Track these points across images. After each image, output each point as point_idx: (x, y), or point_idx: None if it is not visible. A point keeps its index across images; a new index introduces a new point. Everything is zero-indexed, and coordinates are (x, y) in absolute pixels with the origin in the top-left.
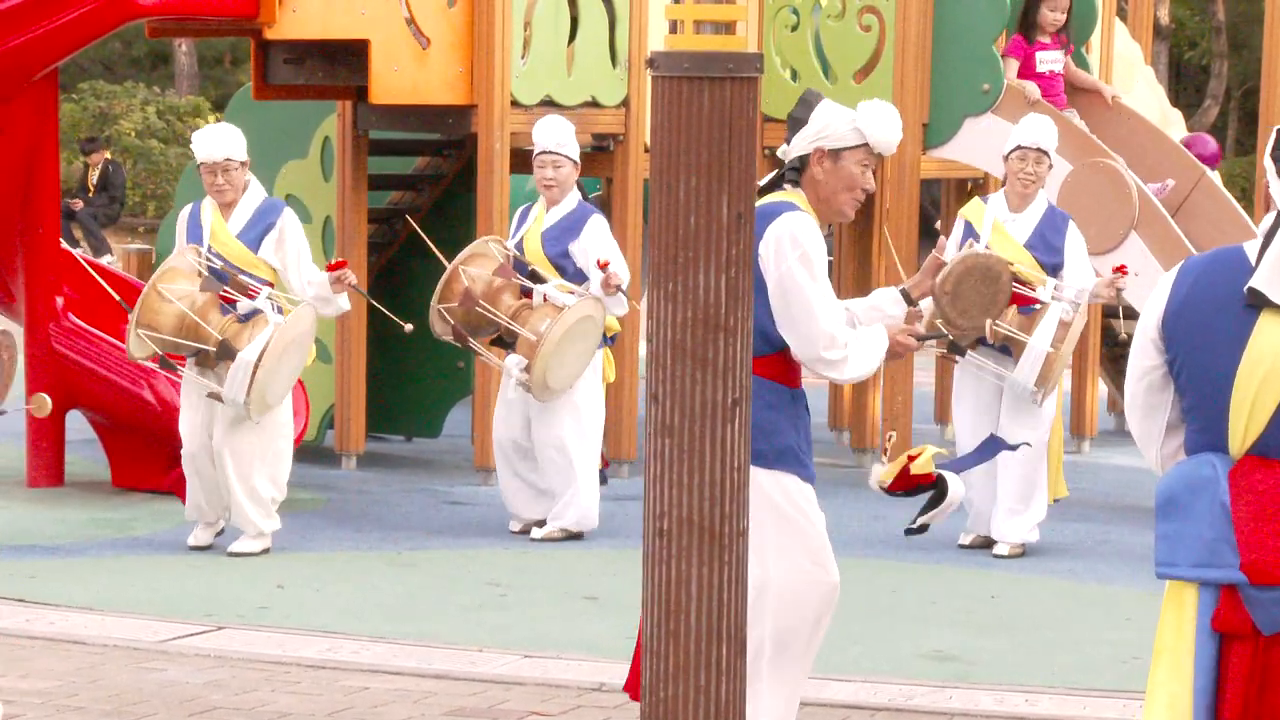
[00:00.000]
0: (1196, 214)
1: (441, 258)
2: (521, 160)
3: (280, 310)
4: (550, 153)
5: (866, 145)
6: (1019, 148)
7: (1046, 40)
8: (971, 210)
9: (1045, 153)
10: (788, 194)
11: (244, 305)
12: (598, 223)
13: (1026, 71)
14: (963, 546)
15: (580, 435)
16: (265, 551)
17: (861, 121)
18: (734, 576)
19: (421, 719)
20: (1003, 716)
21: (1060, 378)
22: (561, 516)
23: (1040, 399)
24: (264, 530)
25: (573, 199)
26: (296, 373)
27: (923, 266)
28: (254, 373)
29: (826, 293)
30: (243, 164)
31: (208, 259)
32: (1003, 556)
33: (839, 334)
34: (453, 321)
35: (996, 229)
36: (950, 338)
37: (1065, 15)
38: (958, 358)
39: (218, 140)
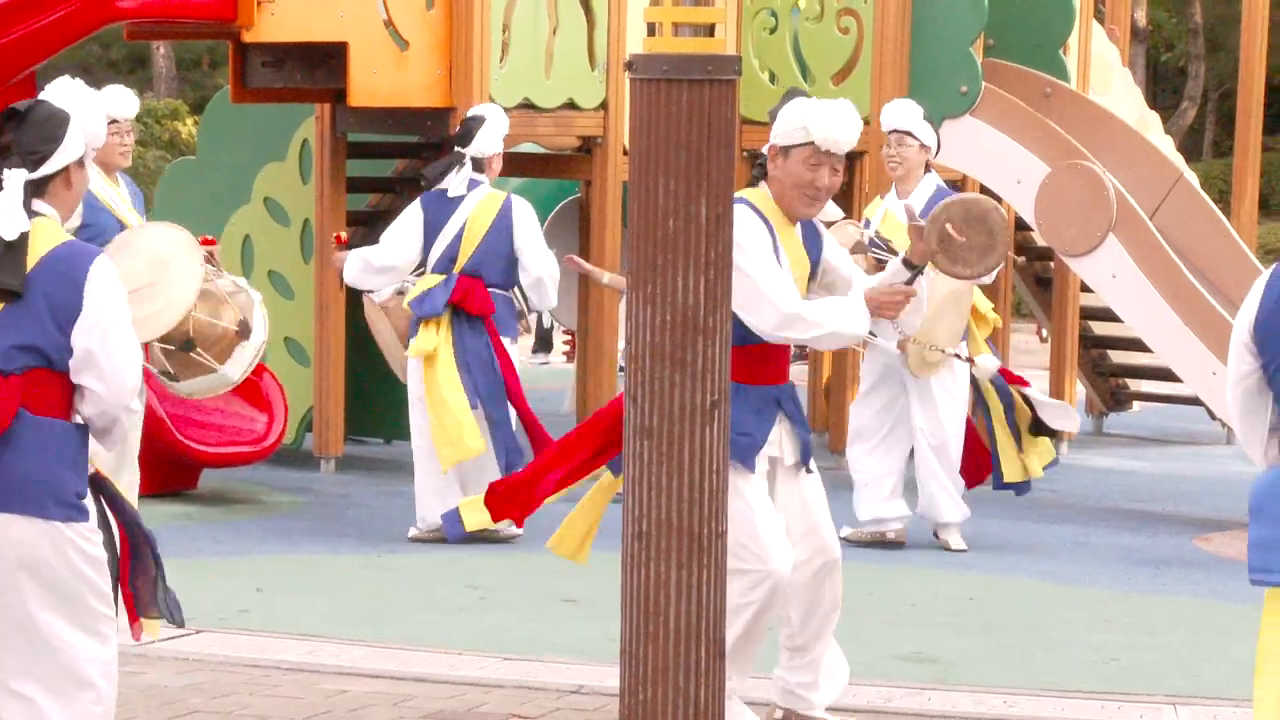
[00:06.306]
0: (1174, 215)
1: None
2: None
3: None
4: None
5: (813, 143)
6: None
7: None
8: (871, 208)
9: (907, 133)
10: (749, 190)
11: None
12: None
13: None
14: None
15: (416, 431)
16: None
17: (808, 118)
18: (713, 579)
19: None
20: (981, 718)
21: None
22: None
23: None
24: None
25: None
26: None
27: (909, 232)
28: None
29: (768, 272)
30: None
31: None
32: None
33: (792, 307)
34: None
35: (887, 216)
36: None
37: None
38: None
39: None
